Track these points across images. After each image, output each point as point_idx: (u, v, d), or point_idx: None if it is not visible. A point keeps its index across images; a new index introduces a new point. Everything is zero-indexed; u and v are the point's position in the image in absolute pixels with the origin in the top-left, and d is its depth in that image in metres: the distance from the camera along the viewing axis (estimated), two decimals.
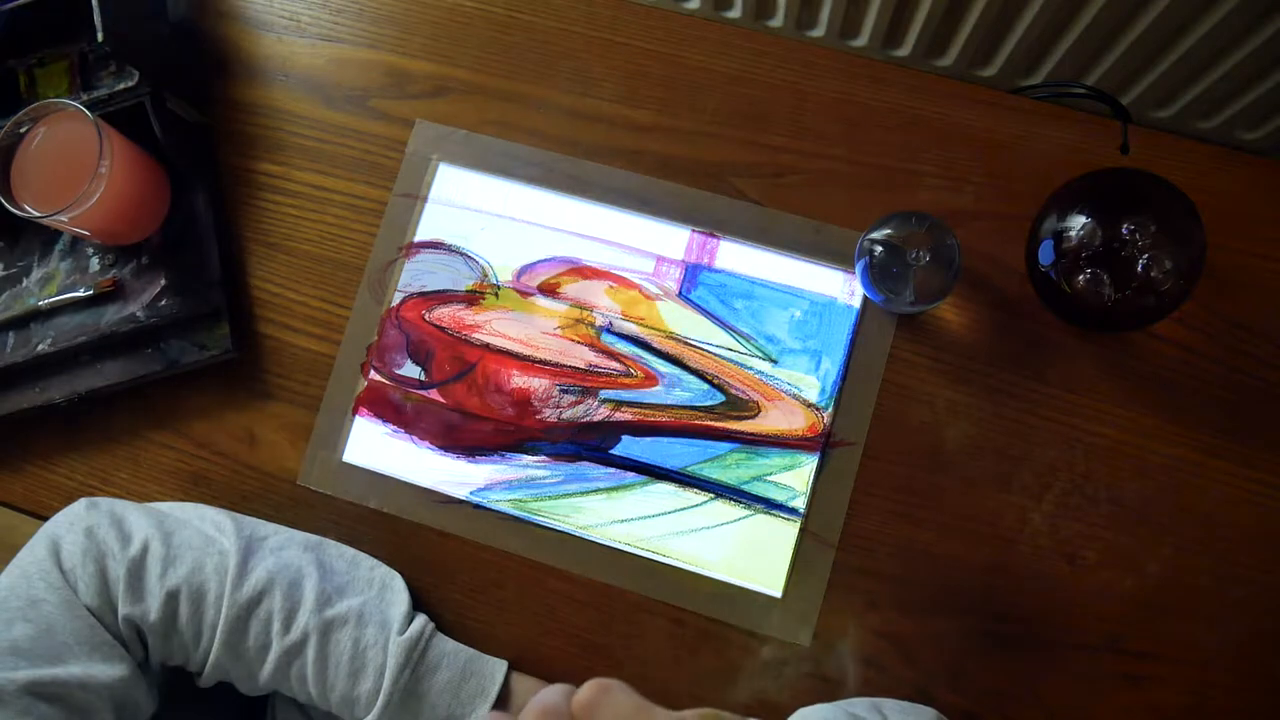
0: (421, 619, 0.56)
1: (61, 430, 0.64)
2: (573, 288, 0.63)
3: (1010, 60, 0.78)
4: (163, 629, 0.52)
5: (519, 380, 0.62)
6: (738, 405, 0.60)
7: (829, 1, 0.77)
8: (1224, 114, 0.76)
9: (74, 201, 0.55)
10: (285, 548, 0.57)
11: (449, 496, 0.61)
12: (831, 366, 0.60)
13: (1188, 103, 0.76)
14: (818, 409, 0.60)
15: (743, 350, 0.61)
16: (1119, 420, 0.59)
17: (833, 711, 0.52)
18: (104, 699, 0.49)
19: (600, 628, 0.59)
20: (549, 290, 0.63)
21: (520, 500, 0.61)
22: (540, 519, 0.60)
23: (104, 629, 0.51)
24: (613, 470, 0.60)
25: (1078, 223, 0.54)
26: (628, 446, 0.61)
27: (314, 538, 0.59)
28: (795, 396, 0.60)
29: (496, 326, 0.63)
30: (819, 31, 0.81)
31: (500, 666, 0.57)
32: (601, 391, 0.61)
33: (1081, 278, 0.54)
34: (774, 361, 0.61)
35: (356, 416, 0.63)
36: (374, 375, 0.63)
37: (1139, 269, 0.53)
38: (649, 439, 0.61)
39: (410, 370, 0.63)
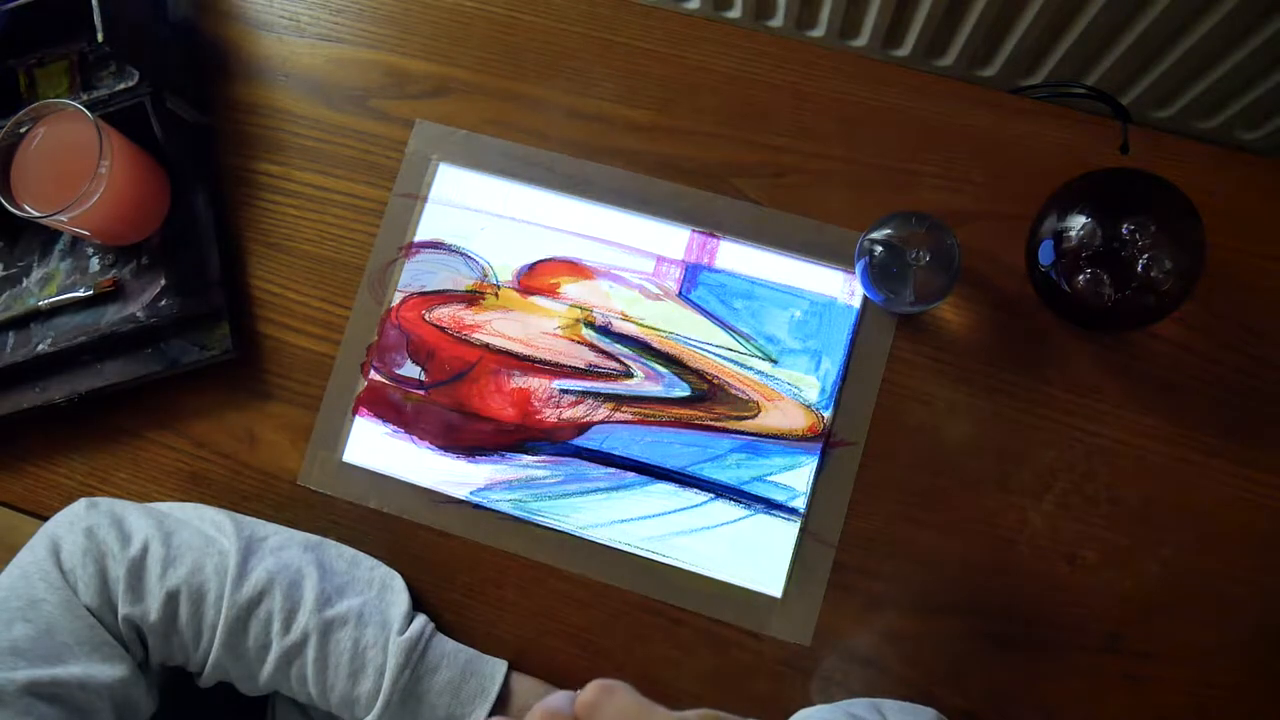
0: (421, 619, 0.56)
1: (61, 430, 0.64)
2: (573, 288, 0.63)
3: (1010, 60, 0.78)
4: (163, 629, 0.52)
5: (519, 380, 0.62)
6: (738, 405, 0.60)
7: (829, 1, 0.77)
8: (1224, 114, 0.76)
9: (74, 201, 0.55)
10: (285, 548, 0.57)
11: (449, 496, 0.61)
12: (831, 366, 0.60)
13: (1188, 103, 0.76)
14: (818, 409, 0.60)
15: (743, 350, 0.61)
16: (1119, 420, 0.59)
17: (832, 713, 0.52)
18: (104, 699, 0.49)
19: (600, 628, 0.59)
20: (549, 290, 0.63)
21: (520, 500, 0.61)
22: (540, 519, 0.60)
23: (104, 629, 0.51)
24: (613, 470, 0.60)
25: (1078, 223, 0.54)
26: (628, 446, 0.61)
27: (314, 538, 0.59)
28: (795, 396, 0.60)
29: (496, 326, 0.63)
30: (819, 31, 0.81)
31: (500, 666, 0.57)
32: (602, 391, 0.61)
33: (1081, 278, 0.54)
34: (774, 361, 0.61)
35: (356, 416, 0.63)
36: (374, 375, 0.63)
37: (1139, 269, 0.53)
38: (649, 439, 0.61)
39: (410, 370, 0.63)
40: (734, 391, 0.61)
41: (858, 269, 0.57)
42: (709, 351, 0.61)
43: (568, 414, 0.61)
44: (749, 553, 0.59)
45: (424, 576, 0.61)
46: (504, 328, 0.63)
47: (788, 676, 0.58)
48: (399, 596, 0.57)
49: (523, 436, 0.61)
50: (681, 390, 0.61)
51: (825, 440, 0.59)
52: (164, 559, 0.53)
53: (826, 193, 0.62)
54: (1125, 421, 0.59)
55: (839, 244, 0.61)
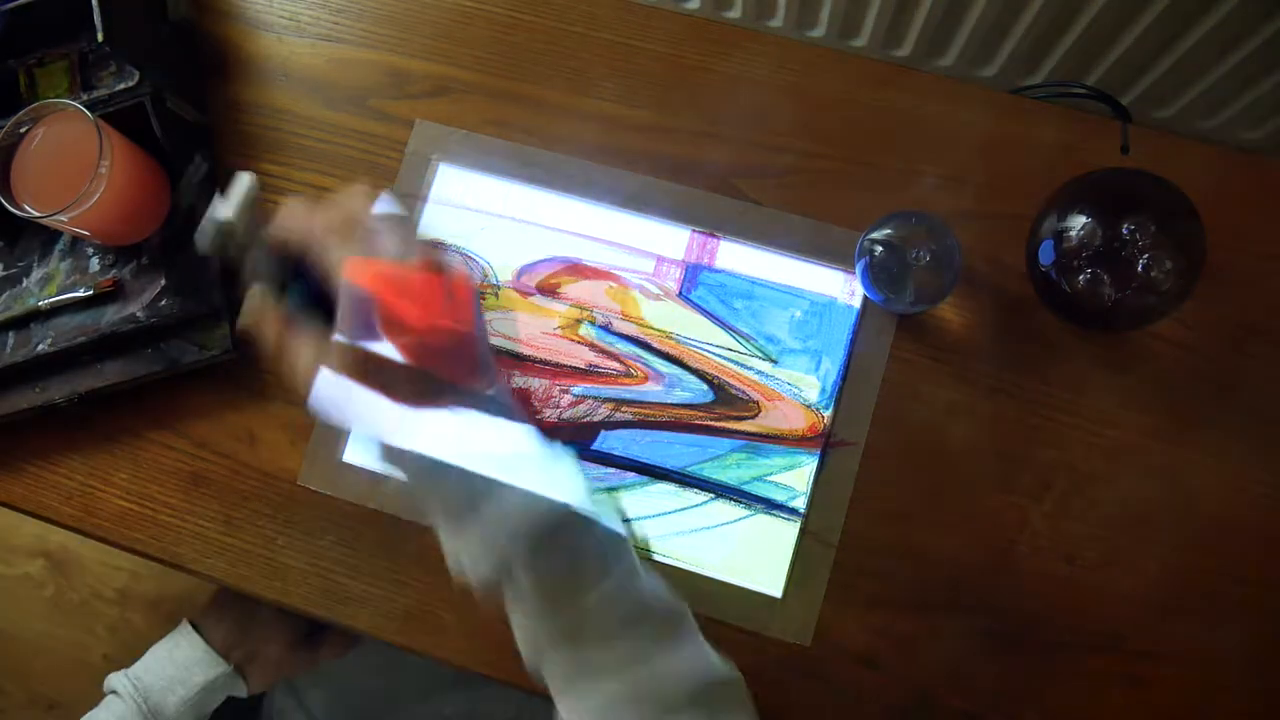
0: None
1: (61, 430, 0.64)
2: (573, 288, 0.63)
3: (1010, 60, 0.78)
4: None
5: (519, 380, 0.62)
6: (738, 405, 0.60)
7: (829, 1, 0.77)
8: (1224, 114, 0.76)
9: (74, 201, 0.55)
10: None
11: None
12: (831, 366, 0.60)
13: (1188, 103, 0.76)
14: (818, 409, 0.60)
15: (743, 350, 0.61)
16: (1119, 420, 0.59)
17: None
18: None
19: None
20: (549, 290, 0.63)
21: None
22: None
23: None
24: (613, 470, 0.60)
25: (1078, 223, 0.54)
26: (628, 446, 0.61)
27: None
28: (795, 396, 0.60)
29: (496, 326, 0.63)
30: (819, 31, 0.81)
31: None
32: (602, 392, 0.61)
33: (1081, 278, 0.54)
34: (774, 362, 0.61)
35: None
36: None
37: (1139, 269, 0.53)
38: (649, 439, 0.61)
39: None
40: (734, 391, 0.61)
41: (858, 269, 0.57)
42: (709, 351, 0.61)
43: (568, 414, 0.61)
44: (749, 553, 0.59)
45: (424, 577, 0.60)
46: (504, 328, 0.63)
47: (788, 676, 0.58)
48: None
49: None
50: (681, 390, 0.61)
51: (825, 440, 0.59)
52: None
53: (826, 193, 0.62)
54: (1125, 421, 0.59)
55: (839, 244, 0.61)
